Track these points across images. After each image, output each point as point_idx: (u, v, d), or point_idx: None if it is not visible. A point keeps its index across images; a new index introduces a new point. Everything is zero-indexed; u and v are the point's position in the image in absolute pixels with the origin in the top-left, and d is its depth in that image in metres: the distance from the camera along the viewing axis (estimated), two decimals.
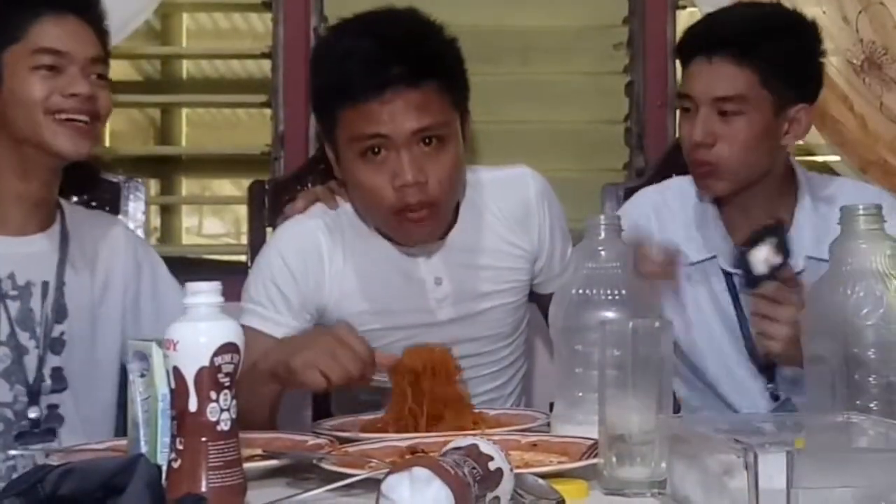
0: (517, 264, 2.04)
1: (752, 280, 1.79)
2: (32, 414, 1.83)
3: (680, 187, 2.11)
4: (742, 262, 1.81)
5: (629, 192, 2.51)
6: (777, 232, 1.80)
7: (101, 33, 2.00)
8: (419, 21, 1.91)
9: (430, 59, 1.86)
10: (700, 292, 2.05)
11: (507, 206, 2.03)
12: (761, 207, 1.98)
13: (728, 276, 2.01)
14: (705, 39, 1.95)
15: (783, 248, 1.78)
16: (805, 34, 1.99)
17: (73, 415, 1.87)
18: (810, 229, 1.98)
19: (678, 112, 2.04)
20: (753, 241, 1.80)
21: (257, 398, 1.73)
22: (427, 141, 1.85)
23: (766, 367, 1.95)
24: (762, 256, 1.78)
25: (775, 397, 1.99)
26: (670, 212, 2.10)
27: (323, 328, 1.86)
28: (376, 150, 1.84)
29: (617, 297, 1.61)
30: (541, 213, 2.04)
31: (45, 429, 1.83)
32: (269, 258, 1.99)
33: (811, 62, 2.00)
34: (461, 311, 1.99)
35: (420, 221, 1.87)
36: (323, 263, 1.97)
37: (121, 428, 1.90)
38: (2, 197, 1.90)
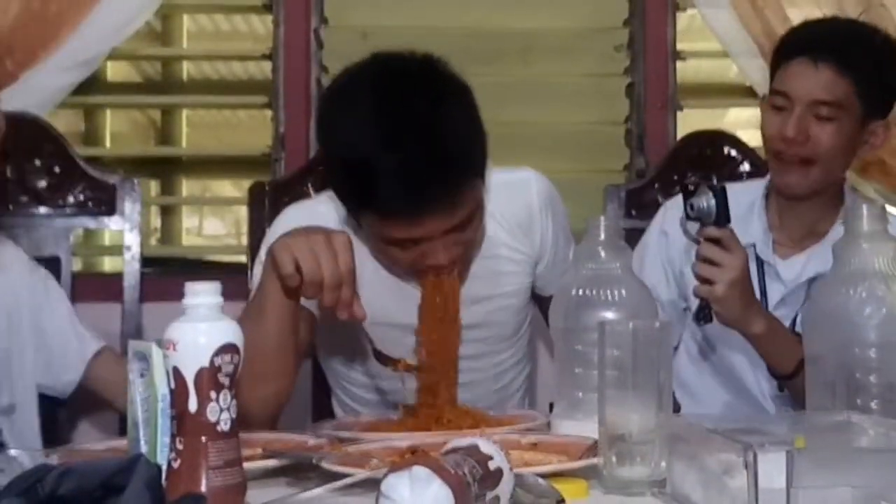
0: (519, 268, 2.03)
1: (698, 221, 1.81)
2: None
3: (738, 184, 2.20)
4: (694, 205, 1.80)
5: (631, 194, 2.53)
6: (723, 195, 1.80)
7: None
8: (446, 121, 1.75)
9: (466, 173, 1.76)
10: None
11: (509, 210, 2.00)
12: (809, 213, 2.05)
13: (760, 265, 2.06)
14: (812, 42, 2.01)
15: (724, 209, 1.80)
16: (894, 53, 2.06)
17: (11, 429, 1.88)
18: None
19: (764, 107, 2.05)
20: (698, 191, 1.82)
21: (262, 333, 1.68)
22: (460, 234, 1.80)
23: (702, 308, 1.89)
24: (709, 202, 1.79)
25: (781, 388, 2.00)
26: None
27: (324, 229, 1.74)
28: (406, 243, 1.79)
29: (616, 298, 1.62)
30: (543, 219, 2.02)
31: None
32: (277, 233, 1.86)
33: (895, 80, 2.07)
34: (463, 315, 1.94)
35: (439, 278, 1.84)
36: None
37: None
38: None
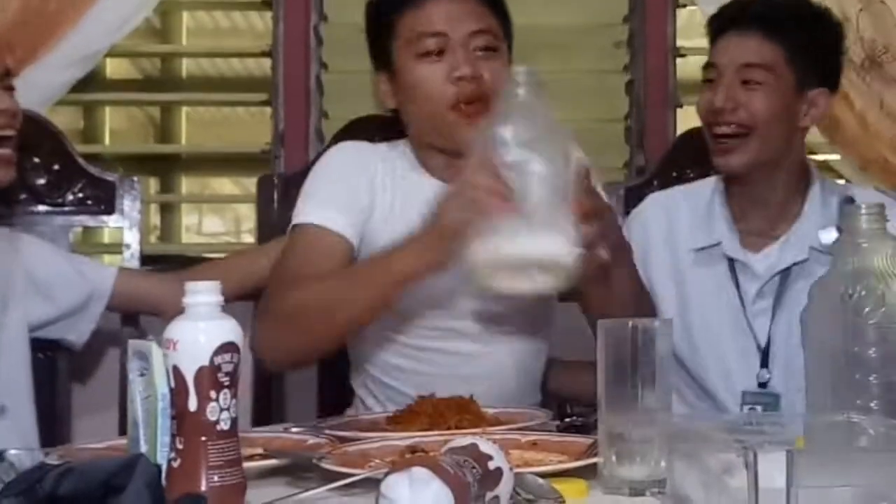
0: None
1: None
2: None
3: (688, 186, 2.20)
4: None
5: (629, 192, 2.53)
6: None
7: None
8: None
9: None
10: (703, 276, 2.08)
11: None
12: (771, 198, 2.03)
13: (731, 262, 2.05)
14: (737, 17, 2.03)
15: None
16: (829, 26, 2.07)
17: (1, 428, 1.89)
18: (817, 220, 2.02)
19: (699, 88, 2.10)
20: None
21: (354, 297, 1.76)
22: (482, 49, 1.94)
23: None
24: None
25: (762, 384, 2.00)
26: (677, 204, 2.15)
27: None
28: (435, 52, 1.91)
29: None
30: None
31: None
32: (330, 163, 2.00)
33: (833, 52, 2.07)
34: None
35: (475, 115, 1.88)
36: (375, 189, 1.96)
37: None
38: None
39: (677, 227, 2.13)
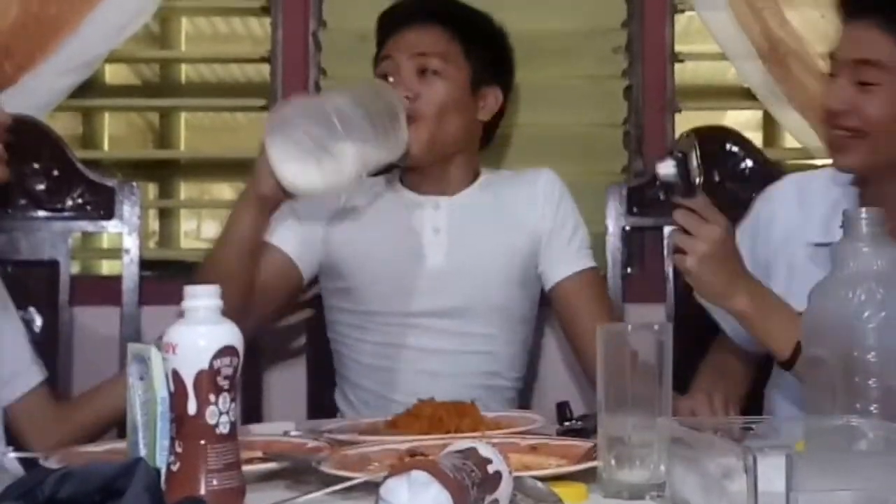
0: (517, 236, 2.15)
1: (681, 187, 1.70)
2: None
3: (825, 172, 2.03)
4: (681, 165, 1.70)
5: (632, 192, 2.53)
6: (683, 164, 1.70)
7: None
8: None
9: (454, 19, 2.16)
10: (816, 275, 1.92)
11: (518, 187, 2.20)
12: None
13: None
14: (853, 2, 1.87)
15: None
16: None
17: None
18: None
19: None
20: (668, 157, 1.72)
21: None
22: (423, 72, 2.09)
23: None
24: (669, 171, 1.69)
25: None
26: (811, 192, 2.01)
27: None
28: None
29: None
30: (549, 194, 2.18)
31: None
32: None
33: None
34: (452, 261, 2.11)
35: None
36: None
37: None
38: None
39: (804, 215, 1.99)
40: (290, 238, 2.11)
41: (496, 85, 2.21)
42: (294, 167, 1.80)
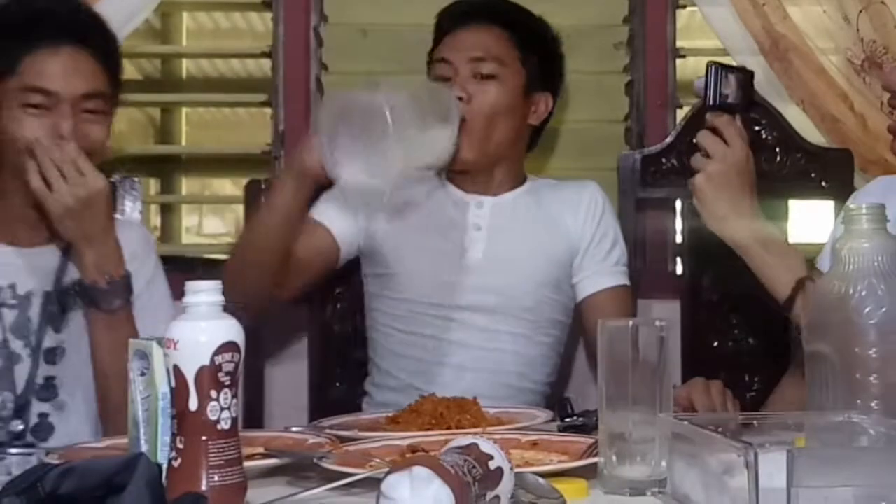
0: (555, 242, 2.18)
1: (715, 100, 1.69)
2: (16, 426, 1.83)
3: None
4: (718, 77, 1.69)
5: (647, 160, 2.48)
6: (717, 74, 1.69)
7: (105, 60, 1.93)
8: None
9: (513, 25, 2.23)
10: None
11: (563, 195, 2.23)
12: None
13: None
14: None
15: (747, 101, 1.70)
16: None
17: (62, 425, 1.86)
18: None
19: None
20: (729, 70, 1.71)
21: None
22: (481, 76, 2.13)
23: None
24: (736, 83, 1.68)
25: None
26: None
27: None
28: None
29: None
30: (593, 206, 2.20)
31: (28, 442, 1.82)
32: None
33: None
34: (489, 258, 2.14)
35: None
36: None
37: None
38: (9, 212, 1.90)
39: (891, 214, 1.94)
40: (335, 217, 2.15)
41: (547, 91, 2.24)
42: (342, 160, 1.84)
